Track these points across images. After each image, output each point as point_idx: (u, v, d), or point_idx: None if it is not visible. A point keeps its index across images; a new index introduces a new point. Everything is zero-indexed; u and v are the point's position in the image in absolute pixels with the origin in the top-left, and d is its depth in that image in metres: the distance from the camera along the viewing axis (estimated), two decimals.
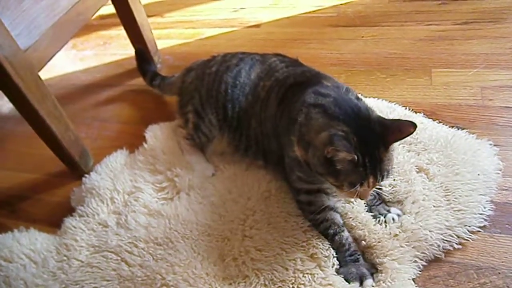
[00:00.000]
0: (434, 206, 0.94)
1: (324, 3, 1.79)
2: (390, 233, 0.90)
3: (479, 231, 0.90)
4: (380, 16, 1.64)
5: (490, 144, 1.05)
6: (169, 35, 1.82)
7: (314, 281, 0.85)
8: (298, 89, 0.94)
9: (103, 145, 1.32)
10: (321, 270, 0.87)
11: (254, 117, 1.05)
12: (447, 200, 0.95)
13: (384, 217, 0.93)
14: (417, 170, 1.02)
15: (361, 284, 0.85)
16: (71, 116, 1.18)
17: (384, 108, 1.18)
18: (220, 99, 1.10)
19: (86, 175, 1.16)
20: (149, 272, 0.91)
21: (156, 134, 1.25)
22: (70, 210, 1.11)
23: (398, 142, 1.06)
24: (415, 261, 0.87)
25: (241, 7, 1.91)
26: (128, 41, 1.53)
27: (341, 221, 0.94)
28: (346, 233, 0.91)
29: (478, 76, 1.27)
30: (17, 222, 1.11)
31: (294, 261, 0.88)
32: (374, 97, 1.24)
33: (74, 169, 1.21)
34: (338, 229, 0.91)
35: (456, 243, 0.88)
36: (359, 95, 0.92)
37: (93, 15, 1.27)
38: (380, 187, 0.91)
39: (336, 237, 0.90)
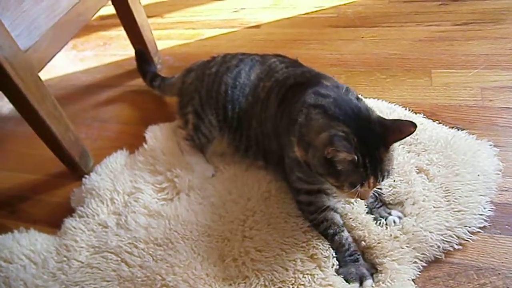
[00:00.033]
0: (434, 207, 0.94)
1: (324, 3, 1.79)
2: (391, 235, 0.90)
3: (479, 231, 0.90)
4: (380, 17, 1.64)
5: (490, 145, 1.05)
6: (169, 36, 1.82)
7: (314, 282, 0.85)
8: (298, 89, 0.94)
9: (103, 146, 1.32)
10: (321, 270, 0.87)
11: (254, 118, 1.06)
12: (447, 201, 0.95)
13: (385, 220, 0.93)
14: (417, 170, 1.02)
15: (361, 284, 0.85)
16: (71, 116, 1.18)
17: (384, 108, 1.18)
18: (220, 100, 1.10)
19: (86, 176, 1.16)
20: (149, 272, 0.91)
21: (156, 135, 1.25)
22: (70, 211, 1.11)
23: (398, 143, 1.06)
24: (415, 262, 0.87)
25: (241, 7, 1.92)
26: (128, 41, 1.53)
27: (341, 221, 0.94)
28: (346, 233, 0.91)
29: (478, 77, 1.27)
30: (17, 223, 1.11)
31: (294, 262, 0.88)
32: (374, 98, 1.24)
33: (74, 170, 1.21)
34: (338, 229, 0.91)
35: (456, 244, 0.88)
36: (359, 95, 0.93)
37: (93, 15, 1.27)
38: (380, 187, 0.91)
39: (336, 237, 0.90)
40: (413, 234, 0.89)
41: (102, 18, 2.00)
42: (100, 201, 1.09)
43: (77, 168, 1.20)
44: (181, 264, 0.92)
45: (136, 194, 1.09)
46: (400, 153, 1.06)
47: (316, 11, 1.77)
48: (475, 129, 1.11)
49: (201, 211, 1.02)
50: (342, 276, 0.87)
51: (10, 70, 0.92)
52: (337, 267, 0.88)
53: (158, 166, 1.15)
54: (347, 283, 0.85)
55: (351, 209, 0.96)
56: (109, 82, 1.61)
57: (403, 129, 0.77)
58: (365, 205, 0.97)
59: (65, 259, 0.98)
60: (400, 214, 0.94)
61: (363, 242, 0.91)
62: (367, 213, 0.96)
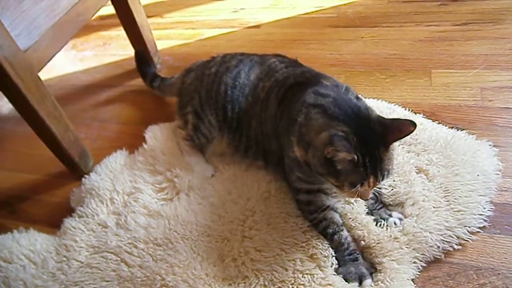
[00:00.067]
0: (434, 207, 0.94)
1: (324, 3, 1.79)
2: (391, 236, 0.90)
3: (479, 231, 0.90)
4: (380, 17, 1.64)
5: (490, 145, 1.05)
6: (169, 36, 1.82)
7: (314, 282, 0.85)
8: (298, 89, 0.94)
9: (102, 146, 1.32)
10: (321, 270, 0.87)
11: (254, 118, 1.05)
12: (447, 201, 0.95)
13: (386, 222, 0.93)
14: (417, 171, 1.02)
15: (360, 283, 0.85)
16: (70, 116, 1.18)
17: (383, 109, 1.18)
18: (219, 100, 1.10)
19: (86, 176, 1.16)
20: (149, 272, 0.91)
21: (156, 135, 1.25)
22: (69, 211, 1.11)
23: (398, 143, 1.07)
24: (415, 262, 0.87)
25: (241, 7, 1.92)
26: (127, 41, 1.53)
27: (340, 221, 0.94)
28: (345, 233, 0.91)
29: (478, 77, 1.27)
30: (17, 223, 1.11)
31: (293, 262, 0.88)
32: (373, 98, 1.24)
33: (74, 170, 1.21)
34: (337, 228, 0.91)
35: (455, 244, 0.88)
36: (359, 95, 0.93)
37: (93, 15, 1.27)
38: (380, 187, 0.91)
39: (335, 236, 0.90)
40: (413, 235, 0.89)
41: (102, 18, 2.00)
42: (100, 201, 1.09)
43: (77, 168, 1.20)
44: (181, 264, 0.92)
45: (135, 194, 1.09)
46: (400, 153, 1.06)
47: (316, 11, 1.77)
48: (474, 129, 1.11)
49: (200, 211, 1.02)
50: (341, 275, 0.87)
51: (9, 69, 0.92)
52: (336, 266, 0.89)
53: (158, 166, 1.15)
54: (347, 283, 0.85)
55: (350, 209, 0.96)
56: (109, 82, 1.61)
57: (402, 128, 0.77)
58: (365, 205, 0.97)
59: (64, 259, 0.98)
60: (400, 216, 0.94)
61: (362, 242, 0.91)
62: (367, 213, 0.96)
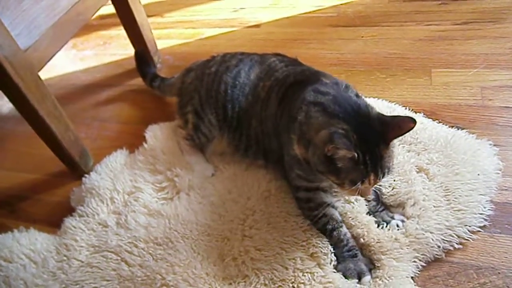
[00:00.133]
0: (434, 206, 0.94)
1: (324, 3, 1.79)
2: (392, 236, 0.90)
3: (479, 231, 0.90)
4: (380, 16, 1.64)
5: (490, 144, 1.05)
6: (169, 35, 1.82)
7: (314, 280, 0.85)
8: (298, 87, 0.94)
9: (103, 145, 1.32)
10: (321, 268, 0.87)
11: (254, 117, 1.05)
12: (447, 200, 0.95)
13: (388, 224, 0.93)
14: (417, 170, 1.02)
15: (359, 280, 0.85)
16: (71, 116, 1.18)
17: (384, 108, 1.18)
18: (219, 99, 1.10)
19: (86, 175, 1.16)
20: (149, 272, 0.91)
21: (156, 134, 1.25)
22: (70, 210, 1.11)
23: (398, 142, 1.07)
24: (414, 261, 0.87)
25: (241, 7, 1.91)
26: (128, 41, 1.53)
27: (340, 218, 0.94)
28: (344, 229, 0.92)
29: (478, 76, 1.27)
30: (17, 222, 1.11)
31: (294, 260, 0.88)
32: (374, 97, 1.24)
33: (74, 169, 1.21)
34: (336, 224, 0.91)
35: (456, 243, 0.88)
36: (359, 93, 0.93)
37: (93, 15, 1.27)
38: (380, 185, 0.91)
39: (334, 233, 0.90)
40: (415, 237, 0.89)
41: (102, 17, 2.00)
42: (100, 200, 1.09)
43: (77, 168, 1.20)
44: (181, 263, 0.92)
45: (136, 193, 1.09)
46: (400, 152, 1.06)
47: (316, 10, 1.77)
48: (475, 128, 1.11)
49: (201, 211, 1.02)
50: (340, 272, 0.87)
51: (10, 69, 0.92)
52: (335, 263, 0.89)
53: (158, 166, 1.15)
54: (346, 279, 0.86)
55: (351, 209, 0.96)
56: (109, 81, 1.61)
57: (402, 125, 0.77)
58: (366, 204, 0.97)
59: (65, 258, 0.98)
60: (403, 218, 0.94)
61: (362, 240, 0.91)
62: (367, 213, 0.96)
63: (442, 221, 0.90)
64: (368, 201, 0.97)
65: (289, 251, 0.90)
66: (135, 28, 1.45)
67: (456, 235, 0.89)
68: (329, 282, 0.84)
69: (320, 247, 0.89)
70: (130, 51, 1.57)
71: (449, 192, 0.96)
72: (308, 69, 1.05)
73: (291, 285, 0.85)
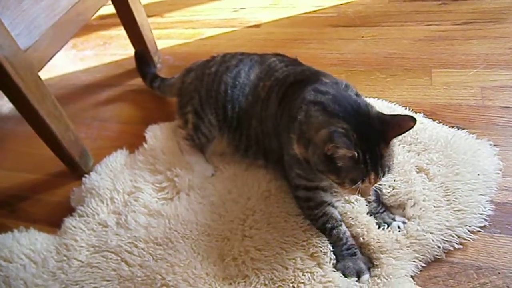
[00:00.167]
0: (434, 207, 0.93)
1: (324, 3, 1.79)
2: (392, 237, 0.90)
3: (479, 231, 0.90)
4: (380, 16, 1.64)
5: (490, 144, 1.05)
6: (169, 35, 1.82)
7: (314, 279, 0.85)
8: (298, 87, 0.94)
9: (103, 145, 1.32)
10: (320, 268, 0.87)
11: (254, 117, 1.05)
12: (447, 200, 0.95)
13: (389, 226, 0.92)
14: (417, 170, 1.02)
15: (358, 278, 0.85)
16: (71, 116, 1.18)
17: (384, 108, 1.18)
18: (219, 100, 1.10)
19: (86, 175, 1.16)
20: (149, 272, 0.91)
21: (156, 134, 1.25)
22: (70, 210, 1.11)
23: (398, 142, 1.07)
24: (414, 261, 0.87)
25: (241, 7, 1.91)
26: (128, 41, 1.53)
27: (339, 216, 0.94)
28: (343, 228, 0.92)
29: (478, 76, 1.27)
30: (17, 222, 1.11)
31: (294, 260, 0.88)
32: (374, 97, 1.24)
33: (74, 169, 1.21)
34: (335, 223, 0.91)
35: (456, 243, 0.88)
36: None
37: (93, 15, 1.27)
38: (381, 184, 0.91)
39: (334, 231, 0.90)
40: (416, 238, 0.88)
41: (102, 17, 2.00)
42: (100, 200, 1.09)
43: (77, 168, 1.20)
44: (181, 263, 0.92)
45: (136, 193, 1.09)
46: (400, 152, 1.06)
47: (316, 10, 1.77)
48: (475, 129, 1.11)
49: (201, 211, 1.02)
50: (339, 270, 0.87)
51: (10, 69, 0.92)
52: (334, 261, 0.89)
53: (158, 166, 1.15)
54: (345, 278, 0.86)
55: (351, 209, 0.96)
56: (109, 81, 1.61)
57: (402, 124, 0.77)
58: (366, 205, 0.97)
59: (65, 258, 0.98)
60: (404, 219, 0.93)
61: (361, 239, 0.91)
62: (367, 213, 0.96)
63: (442, 221, 0.90)
64: (369, 202, 0.97)
65: (289, 251, 0.90)
66: (135, 28, 1.45)
67: (456, 235, 0.89)
68: (329, 282, 0.84)
69: (320, 246, 0.89)
70: (130, 51, 1.57)
71: (449, 192, 0.96)
72: (308, 69, 1.05)
73: (291, 285, 0.85)
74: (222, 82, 1.10)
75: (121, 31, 1.62)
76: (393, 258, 0.86)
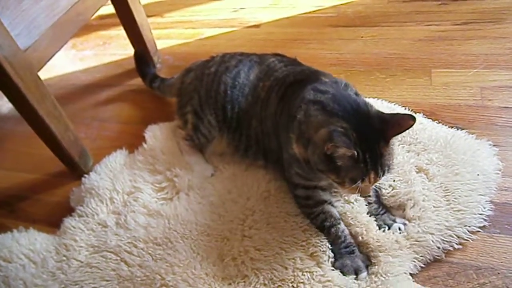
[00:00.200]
0: (434, 207, 0.93)
1: (324, 3, 1.79)
2: (392, 238, 0.90)
3: (479, 231, 0.90)
4: (380, 16, 1.64)
5: (490, 144, 1.05)
6: (168, 35, 1.82)
7: (313, 279, 0.85)
8: (298, 86, 0.94)
9: (102, 145, 1.32)
10: (319, 267, 0.87)
11: (254, 117, 1.05)
12: (447, 201, 0.95)
13: (390, 227, 0.92)
14: (417, 170, 1.02)
15: (356, 276, 0.86)
16: (70, 116, 1.18)
17: (383, 108, 1.18)
18: (219, 100, 1.10)
19: (86, 175, 1.16)
20: (149, 272, 0.91)
21: (156, 134, 1.25)
22: (69, 210, 1.11)
23: (398, 142, 1.07)
24: (414, 261, 0.87)
25: (240, 7, 1.91)
26: (127, 41, 1.53)
27: (338, 215, 0.94)
28: (342, 226, 0.92)
29: (478, 77, 1.27)
30: (16, 222, 1.11)
31: (293, 260, 0.88)
32: (373, 97, 1.24)
33: (74, 169, 1.21)
34: (334, 221, 0.91)
35: (456, 244, 0.88)
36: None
37: (92, 15, 1.27)
38: (380, 183, 0.91)
39: (332, 229, 0.91)
40: (416, 240, 0.88)
41: (102, 17, 2.00)
42: (100, 200, 1.09)
43: (77, 168, 1.20)
44: (181, 263, 0.92)
45: (135, 193, 1.09)
46: (400, 152, 1.06)
47: (316, 10, 1.77)
48: (474, 129, 1.11)
49: (200, 211, 1.02)
50: (337, 268, 0.87)
51: (9, 69, 0.92)
52: (333, 260, 0.89)
53: (158, 166, 1.15)
54: (343, 276, 0.86)
55: (350, 208, 0.96)
56: (109, 81, 1.61)
57: (402, 122, 0.77)
58: (366, 205, 0.97)
59: (64, 258, 0.98)
60: (405, 221, 0.93)
61: (360, 237, 0.91)
62: (367, 213, 0.96)
63: (442, 222, 0.90)
64: (369, 203, 0.97)
65: (289, 251, 0.90)
66: (134, 28, 1.45)
67: (456, 235, 0.89)
68: (328, 281, 0.84)
69: (319, 246, 0.89)
70: (129, 51, 1.56)
71: (449, 192, 0.96)
72: (308, 68, 1.05)
73: (290, 284, 0.85)
74: (222, 83, 1.10)
75: (120, 31, 1.62)
76: (391, 256, 0.86)
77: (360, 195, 0.95)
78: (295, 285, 0.85)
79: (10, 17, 1.02)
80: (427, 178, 1.00)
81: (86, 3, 1.20)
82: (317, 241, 0.90)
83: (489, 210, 0.93)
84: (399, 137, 1.06)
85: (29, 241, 1.03)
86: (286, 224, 0.95)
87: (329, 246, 0.90)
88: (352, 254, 0.88)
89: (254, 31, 1.73)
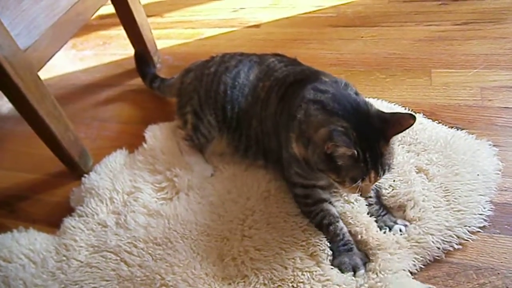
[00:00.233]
0: (434, 207, 0.93)
1: (324, 3, 1.79)
2: (393, 239, 0.89)
3: (479, 231, 0.90)
4: (379, 16, 1.64)
5: (490, 145, 1.05)
6: (168, 35, 1.82)
7: (313, 279, 0.85)
8: (298, 86, 0.95)
9: (102, 145, 1.32)
10: (319, 266, 0.87)
11: (254, 117, 1.05)
12: (447, 201, 0.95)
13: (391, 229, 0.92)
14: (417, 170, 1.02)
15: (354, 274, 0.86)
16: (70, 116, 1.18)
17: (383, 108, 1.16)
18: (219, 100, 1.10)
19: (86, 175, 1.16)
20: (148, 272, 0.91)
21: (156, 134, 1.25)
22: (69, 210, 1.11)
23: (398, 142, 1.07)
24: (413, 261, 0.87)
25: (240, 7, 1.91)
26: (127, 41, 1.53)
27: (337, 213, 0.94)
28: (341, 224, 0.92)
29: (478, 77, 1.27)
30: (16, 222, 1.11)
31: (293, 260, 0.88)
32: (373, 98, 1.24)
33: (74, 169, 1.21)
34: (333, 219, 0.92)
35: (456, 244, 0.88)
36: None
37: (92, 15, 1.27)
38: (381, 182, 0.91)
39: (331, 227, 0.91)
40: (417, 241, 0.88)
41: (102, 17, 2.00)
42: (100, 200, 1.09)
43: (77, 168, 1.20)
44: (181, 263, 0.91)
45: (135, 193, 1.09)
46: (400, 153, 1.06)
47: (316, 10, 1.77)
48: (474, 129, 1.11)
49: (200, 211, 1.02)
50: (336, 266, 0.87)
51: (9, 69, 0.92)
52: (331, 257, 0.89)
53: (158, 166, 1.15)
54: (341, 273, 0.86)
55: (350, 208, 0.96)
56: (109, 81, 1.61)
57: (402, 121, 0.77)
58: (366, 205, 0.97)
59: (64, 258, 0.98)
60: (405, 222, 0.93)
61: (359, 236, 0.91)
62: (367, 213, 0.96)
63: (441, 222, 0.90)
64: (370, 205, 0.97)
65: (289, 251, 0.90)
66: (134, 28, 1.45)
67: (456, 235, 0.89)
68: (328, 280, 0.85)
69: (319, 245, 0.90)
70: (130, 51, 1.57)
71: (449, 192, 0.96)
72: (308, 68, 1.05)
73: (290, 284, 0.85)
74: (221, 83, 1.10)
75: (120, 31, 1.62)
76: (389, 253, 0.86)
77: (361, 195, 0.95)
78: (295, 285, 0.85)
79: (10, 17, 1.02)
80: (427, 178, 1.00)
81: (86, 3, 1.20)
82: (317, 240, 0.90)
83: (489, 210, 0.93)
84: (399, 137, 1.06)
85: (29, 241, 1.03)
86: (286, 224, 0.95)
87: (328, 244, 0.90)
88: (350, 252, 0.88)
89: (254, 31, 1.73)
